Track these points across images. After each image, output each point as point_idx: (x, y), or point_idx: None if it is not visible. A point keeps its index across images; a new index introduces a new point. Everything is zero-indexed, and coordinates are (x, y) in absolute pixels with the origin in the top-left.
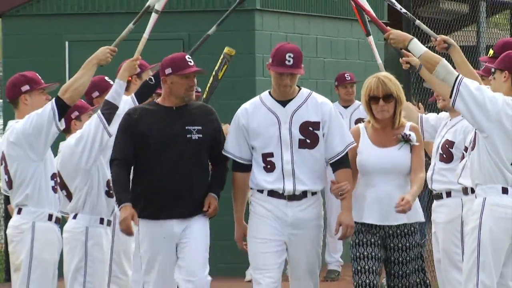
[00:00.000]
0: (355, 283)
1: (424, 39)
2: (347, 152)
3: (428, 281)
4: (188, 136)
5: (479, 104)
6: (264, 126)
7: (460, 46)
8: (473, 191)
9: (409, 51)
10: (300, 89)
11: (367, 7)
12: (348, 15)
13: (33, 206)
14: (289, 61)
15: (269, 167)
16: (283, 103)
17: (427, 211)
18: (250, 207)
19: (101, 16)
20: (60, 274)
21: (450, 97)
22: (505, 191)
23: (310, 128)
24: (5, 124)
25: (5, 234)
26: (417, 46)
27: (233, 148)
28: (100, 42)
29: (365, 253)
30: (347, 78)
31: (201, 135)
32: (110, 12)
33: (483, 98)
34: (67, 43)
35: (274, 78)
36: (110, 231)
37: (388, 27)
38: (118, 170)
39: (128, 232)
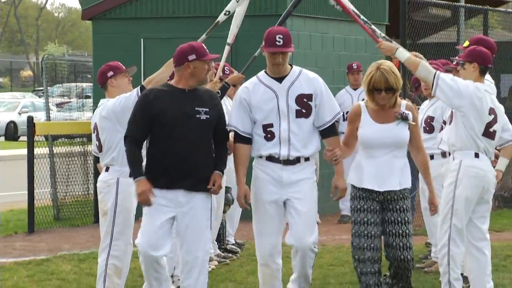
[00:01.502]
0: (354, 244)
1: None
2: (334, 121)
3: (411, 245)
4: (197, 116)
5: (454, 91)
6: (264, 101)
7: (444, 43)
8: (449, 154)
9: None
10: (292, 67)
11: (362, 22)
12: None
13: (118, 166)
14: (279, 41)
15: (269, 136)
16: (279, 79)
17: (416, 171)
18: (253, 172)
19: (169, 19)
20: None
21: (431, 88)
22: (476, 156)
23: (305, 100)
24: (96, 102)
25: (95, 187)
26: (402, 54)
27: (236, 122)
28: (169, 40)
29: (365, 219)
30: (354, 67)
31: (208, 116)
32: (176, 16)
33: (457, 86)
34: (142, 40)
35: (267, 58)
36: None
37: (380, 39)
38: (131, 146)
39: (147, 203)
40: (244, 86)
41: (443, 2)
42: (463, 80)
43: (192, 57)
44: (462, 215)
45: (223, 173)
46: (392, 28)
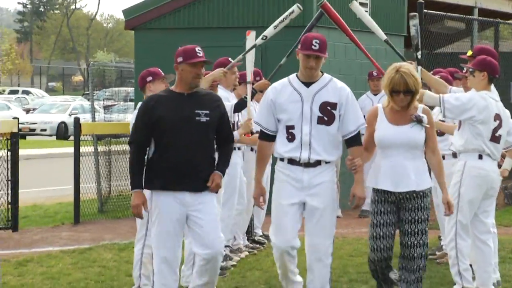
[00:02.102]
0: (371, 246)
1: (432, 48)
2: (359, 131)
3: (427, 243)
4: (197, 118)
5: (460, 108)
6: (289, 102)
7: (458, 53)
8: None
9: None
10: (322, 74)
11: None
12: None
13: None
14: (315, 46)
15: (290, 137)
16: (307, 84)
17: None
18: (275, 175)
19: (204, 29)
20: None
21: (441, 111)
22: (480, 157)
23: (329, 108)
24: (136, 105)
25: None
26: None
27: (260, 119)
28: (203, 48)
29: (382, 220)
30: (374, 74)
31: (208, 118)
32: (210, 26)
33: (462, 103)
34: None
35: (301, 61)
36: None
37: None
38: (135, 152)
39: (139, 216)
40: (273, 86)
41: (457, 15)
42: (466, 94)
43: (180, 59)
44: (467, 212)
45: (223, 173)
46: (410, 39)
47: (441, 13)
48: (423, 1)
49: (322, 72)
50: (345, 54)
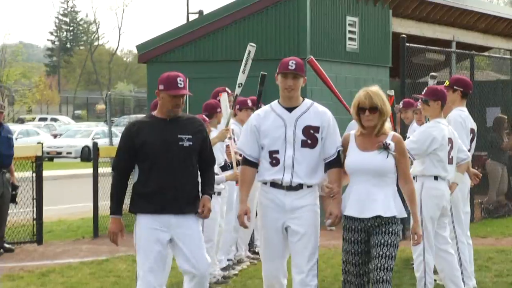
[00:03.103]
0: (344, 270)
1: (415, 77)
2: (339, 154)
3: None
4: (180, 143)
5: (423, 148)
6: (273, 128)
7: (438, 82)
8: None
9: None
10: (303, 99)
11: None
12: (366, 62)
13: None
14: (291, 66)
15: (274, 162)
16: (290, 109)
17: None
18: (258, 200)
19: (209, 62)
20: None
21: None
22: (436, 178)
23: (311, 131)
24: None
25: None
26: None
27: (243, 145)
28: (209, 79)
29: (352, 250)
30: None
31: (191, 143)
32: (215, 60)
33: (421, 141)
34: (188, 79)
35: (280, 84)
36: (220, 199)
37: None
38: (118, 178)
39: (115, 243)
40: (256, 113)
41: (436, 48)
42: (422, 133)
43: (161, 87)
44: (430, 228)
45: (211, 197)
46: (395, 70)
47: (422, 46)
48: (405, 36)
49: (303, 97)
50: (336, 83)
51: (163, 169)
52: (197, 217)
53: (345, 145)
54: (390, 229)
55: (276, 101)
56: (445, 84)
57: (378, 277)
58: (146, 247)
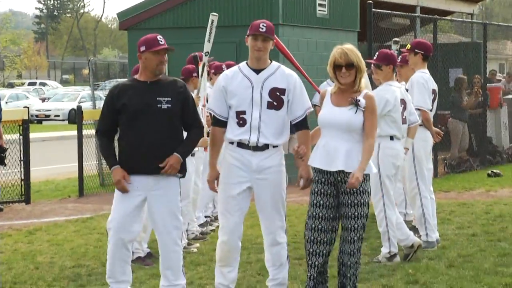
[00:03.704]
0: (308, 225)
1: (382, 41)
2: (306, 116)
3: (365, 227)
4: (158, 106)
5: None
6: (240, 89)
7: (403, 45)
8: None
9: None
10: (271, 61)
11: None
12: (335, 27)
13: None
14: (262, 28)
15: (241, 122)
16: (257, 71)
17: None
18: (223, 157)
19: (187, 28)
20: None
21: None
22: (391, 138)
23: (277, 93)
24: None
25: None
26: None
27: (213, 105)
28: (188, 45)
29: (321, 201)
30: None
31: (170, 105)
32: (192, 26)
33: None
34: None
35: (250, 45)
36: (194, 159)
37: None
38: (102, 139)
39: (124, 190)
40: (224, 73)
41: (402, 13)
42: (376, 98)
43: (142, 48)
44: (388, 185)
45: (183, 156)
46: (363, 34)
47: (387, 11)
48: (371, 1)
49: (270, 60)
50: (307, 48)
51: (140, 130)
52: (176, 179)
53: (322, 100)
54: (361, 188)
55: (244, 62)
56: (406, 48)
57: (350, 238)
58: (117, 204)
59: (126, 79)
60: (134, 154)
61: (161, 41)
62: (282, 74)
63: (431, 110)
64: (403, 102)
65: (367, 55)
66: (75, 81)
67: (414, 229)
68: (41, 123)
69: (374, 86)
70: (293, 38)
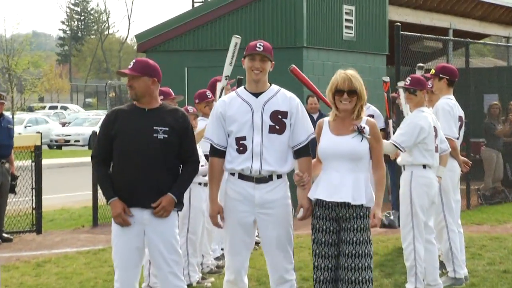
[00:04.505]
0: (315, 264)
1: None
2: (308, 142)
3: (371, 267)
4: (154, 135)
5: (411, 138)
6: (239, 114)
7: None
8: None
9: None
10: (270, 84)
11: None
12: (363, 50)
13: None
14: (259, 48)
15: (242, 149)
16: (256, 94)
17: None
18: (225, 191)
19: (208, 51)
20: None
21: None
22: (424, 167)
23: (279, 116)
24: None
25: None
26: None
27: (211, 134)
28: (207, 69)
29: (323, 239)
30: None
31: (166, 136)
32: (214, 48)
33: (409, 133)
34: (186, 69)
35: (247, 66)
36: (207, 189)
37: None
38: (98, 167)
39: (125, 224)
40: (221, 100)
41: (432, 36)
42: (409, 124)
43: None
44: (420, 217)
45: (178, 196)
46: (392, 57)
47: (416, 34)
48: (399, 24)
49: (270, 83)
50: (333, 71)
51: (133, 161)
52: (174, 212)
53: (318, 132)
54: (362, 225)
55: (242, 87)
56: (431, 73)
57: (354, 278)
58: (118, 243)
59: (125, 105)
60: (128, 185)
61: (130, 65)
62: (283, 97)
63: (457, 138)
64: (434, 129)
65: (395, 80)
66: (98, 105)
67: (441, 264)
68: (61, 148)
69: (398, 110)
70: (318, 61)
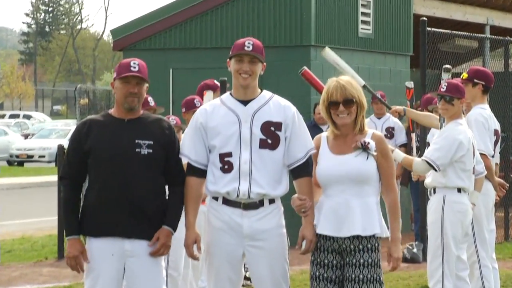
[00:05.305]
0: None
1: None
2: (308, 159)
3: None
4: (137, 150)
5: (448, 155)
6: (224, 125)
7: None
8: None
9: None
10: (261, 90)
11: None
12: (382, 49)
13: None
14: (247, 46)
15: (227, 167)
16: (244, 102)
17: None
18: (207, 219)
19: (196, 49)
20: None
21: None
22: (459, 191)
23: (272, 128)
24: None
25: None
26: (398, 155)
27: (188, 150)
28: (195, 70)
29: (325, 275)
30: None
31: (151, 150)
32: (202, 47)
33: (445, 149)
34: (171, 70)
35: (233, 69)
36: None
37: None
38: (67, 190)
39: (76, 270)
40: (202, 108)
41: (465, 33)
42: (445, 138)
43: (114, 75)
44: (453, 250)
45: (174, 229)
46: (417, 59)
47: (446, 31)
48: (425, 19)
49: (261, 88)
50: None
51: (113, 181)
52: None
53: (315, 150)
54: (370, 260)
55: (227, 93)
56: (462, 77)
57: None
58: (96, 279)
59: (99, 114)
60: (105, 211)
61: (134, 67)
62: (276, 105)
63: (493, 156)
64: (473, 146)
65: (420, 85)
66: (68, 113)
67: None
68: (23, 165)
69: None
70: (328, 63)
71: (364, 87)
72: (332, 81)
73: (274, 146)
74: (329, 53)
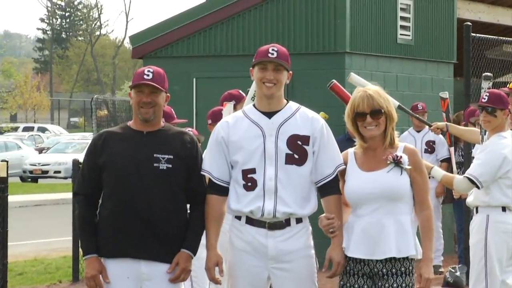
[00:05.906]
0: None
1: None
2: (337, 175)
3: None
4: (155, 165)
5: (492, 170)
6: (247, 139)
7: (493, 84)
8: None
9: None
10: (287, 101)
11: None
12: (423, 57)
13: None
14: (272, 53)
15: (250, 184)
16: (269, 114)
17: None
18: (229, 240)
19: (221, 57)
20: None
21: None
22: (504, 210)
23: (299, 142)
24: None
25: None
26: (437, 173)
27: (209, 166)
28: (220, 79)
29: None
30: (419, 108)
31: (170, 165)
32: (229, 54)
33: (488, 164)
34: (194, 79)
35: (256, 78)
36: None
37: None
38: (82, 207)
39: None
40: (224, 120)
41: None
42: (488, 153)
43: (131, 84)
44: (497, 274)
45: (194, 252)
46: (461, 67)
47: (493, 37)
48: (470, 24)
49: (287, 99)
50: (385, 84)
51: (128, 198)
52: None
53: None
54: (404, 284)
55: (250, 105)
56: (508, 86)
57: None
58: None
59: (117, 126)
60: (120, 230)
61: (148, 75)
62: (303, 117)
63: None
64: None
65: (464, 95)
66: (86, 125)
67: None
68: (37, 181)
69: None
70: (364, 71)
71: (399, 107)
72: (358, 91)
73: (301, 161)
74: (354, 79)
